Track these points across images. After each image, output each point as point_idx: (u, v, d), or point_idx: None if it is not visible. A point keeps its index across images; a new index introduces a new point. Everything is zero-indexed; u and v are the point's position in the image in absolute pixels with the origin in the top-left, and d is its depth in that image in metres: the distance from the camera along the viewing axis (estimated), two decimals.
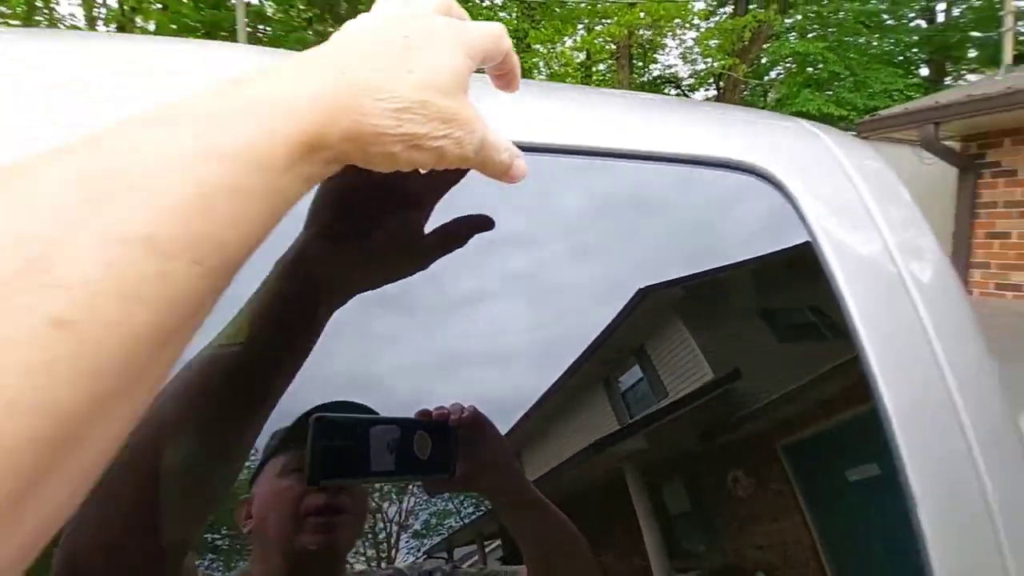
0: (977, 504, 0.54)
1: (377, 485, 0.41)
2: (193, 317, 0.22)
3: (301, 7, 12.59)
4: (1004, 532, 0.54)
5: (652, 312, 0.50)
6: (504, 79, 0.38)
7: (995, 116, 4.46)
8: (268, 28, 11.79)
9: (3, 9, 10.47)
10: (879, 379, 0.51)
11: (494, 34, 0.35)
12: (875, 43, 13.09)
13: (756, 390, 0.52)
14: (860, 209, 0.57)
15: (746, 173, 0.54)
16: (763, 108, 13.11)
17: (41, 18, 11.18)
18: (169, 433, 0.35)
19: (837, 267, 0.53)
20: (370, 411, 0.40)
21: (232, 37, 9.48)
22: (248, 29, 10.04)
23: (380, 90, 0.28)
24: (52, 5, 11.30)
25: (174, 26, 9.72)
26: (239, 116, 0.24)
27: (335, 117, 0.27)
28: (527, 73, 10.30)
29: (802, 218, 0.54)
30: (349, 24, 0.33)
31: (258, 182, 0.24)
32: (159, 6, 9.61)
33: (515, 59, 0.38)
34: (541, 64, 10.69)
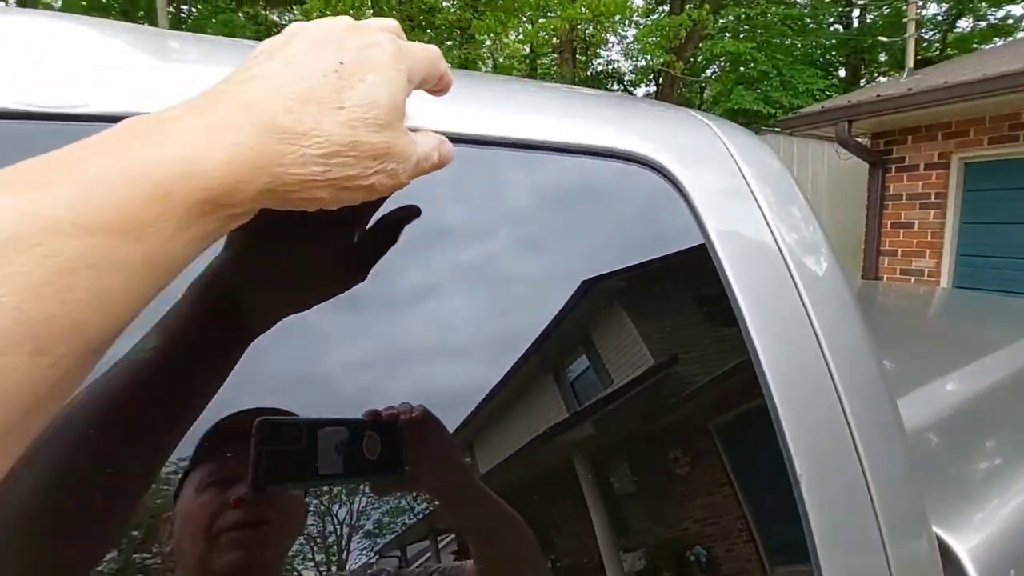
0: (856, 479, 0.57)
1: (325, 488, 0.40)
2: (40, 408, 0.20)
3: None
4: (879, 505, 0.58)
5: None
6: (435, 95, 0.37)
7: (899, 115, 4.82)
8: (193, 8, 11.09)
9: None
10: (764, 363, 0.53)
11: (432, 57, 0.33)
12: (799, 45, 13.84)
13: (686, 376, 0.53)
14: (748, 199, 0.59)
15: (637, 164, 0.54)
16: (700, 104, 13.62)
17: None
18: (74, 445, 0.32)
19: (725, 256, 0.54)
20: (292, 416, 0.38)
21: (151, 18, 8.85)
22: (170, 10, 9.40)
23: (305, 136, 0.25)
24: None
25: (84, 3, 8.98)
26: (129, 180, 0.21)
27: (252, 174, 0.24)
28: (471, 64, 10.21)
29: (691, 208, 0.55)
30: (271, 44, 0.29)
31: (136, 253, 0.21)
32: None
33: (449, 80, 0.37)
34: (486, 55, 10.63)
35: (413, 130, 0.32)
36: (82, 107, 0.35)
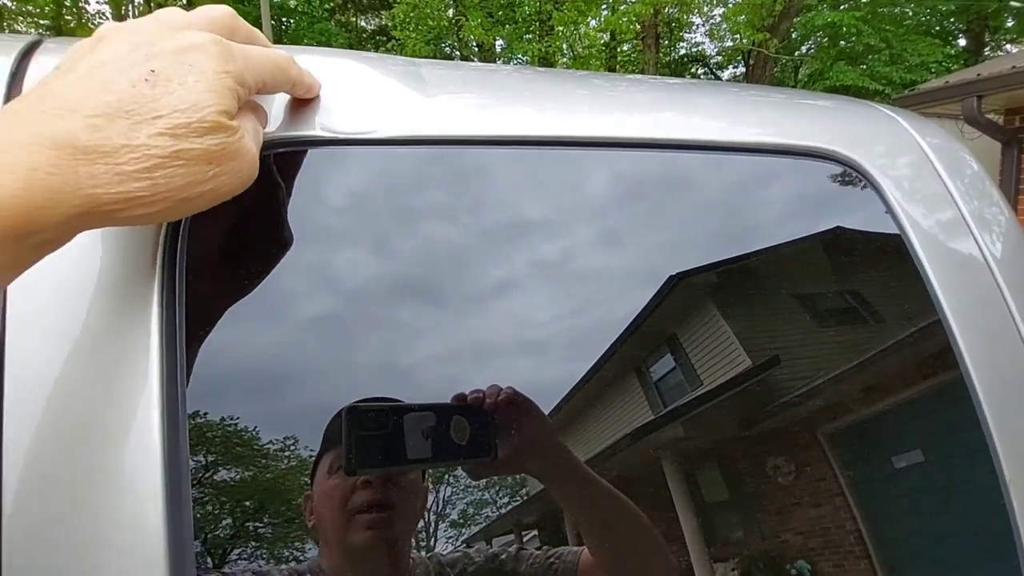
0: None
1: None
2: None
3: None
4: None
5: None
6: (300, 97, 0.36)
7: None
8: (291, 20, 11.86)
9: (30, 8, 10.70)
10: (967, 356, 0.51)
11: (276, 63, 0.32)
12: (910, 13, 12.53)
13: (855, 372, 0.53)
14: (940, 188, 0.57)
15: (828, 161, 0.54)
16: (794, 84, 12.71)
17: (71, 18, 11.42)
18: None
19: (924, 255, 0.53)
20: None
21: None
22: (271, 23, 10.13)
23: (117, 152, 0.23)
24: (81, 4, 11.54)
25: None
26: None
27: (55, 199, 0.22)
28: (550, 57, 10.17)
29: (887, 205, 0.54)
30: (77, 51, 0.27)
31: None
32: (184, 2, 9.75)
33: (308, 83, 0.36)
34: (564, 47, 10.54)
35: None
36: (372, 133, 0.40)
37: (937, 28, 12.88)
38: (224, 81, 0.27)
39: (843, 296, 0.57)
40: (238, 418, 0.37)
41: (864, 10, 11.28)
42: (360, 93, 0.41)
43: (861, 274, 0.56)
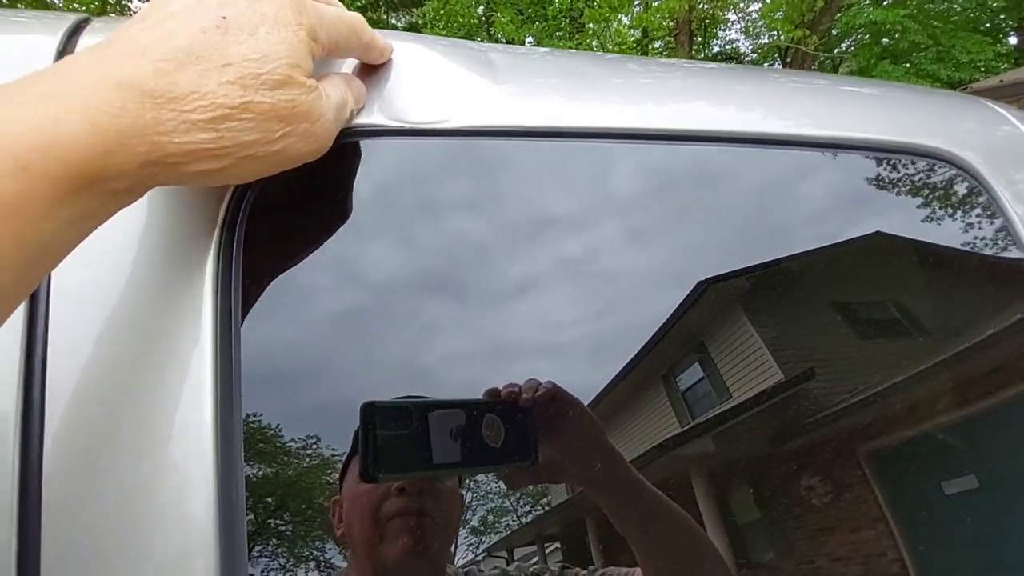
0: None
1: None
2: None
3: None
4: None
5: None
6: (370, 62, 0.35)
7: None
8: None
9: (76, 4, 11.06)
10: None
11: (348, 23, 0.32)
12: (958, 9, 12.03)
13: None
14: None
15: (934, 160, 0.48)
16: None
17: (113, 15, 11.77)
18: None
19: None
20: None
21: None
22: None
23: (184, 98, 0.23)
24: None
25: None
26: None
27: (123, 142, 0.22)
28: None
29: (1004, 215, 0.48)
30: (154, 3, 0.27)
31: (4, 234, 0.19)
32: None
33: (379, 48, 0.34)
34: (595, 44, 10.42)
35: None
36: (443, 123, 0.36)
37: (987, 25, 12.35)
38: (297, 33, 0.26)
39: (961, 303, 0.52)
40: (261, 415, 0.35)
41: (910, 7, 10.86)
42: (430, 81, 0.38)
43: (987, 287, 0.52)
